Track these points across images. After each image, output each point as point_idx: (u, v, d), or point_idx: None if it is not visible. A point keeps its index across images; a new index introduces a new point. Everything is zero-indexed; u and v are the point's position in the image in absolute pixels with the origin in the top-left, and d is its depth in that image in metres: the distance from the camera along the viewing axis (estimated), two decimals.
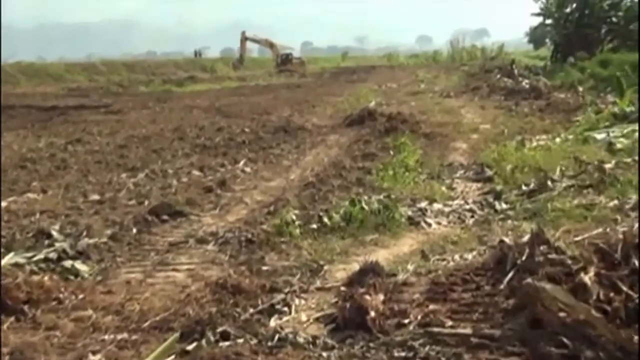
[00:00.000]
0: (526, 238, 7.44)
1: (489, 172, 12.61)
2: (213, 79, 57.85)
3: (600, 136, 15.22)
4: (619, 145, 13.92)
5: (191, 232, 9.33)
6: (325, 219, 9.23)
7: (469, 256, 7.71)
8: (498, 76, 37.28)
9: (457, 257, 7.74)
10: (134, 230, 9.30)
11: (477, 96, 30.09)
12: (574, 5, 43.20)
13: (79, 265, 7.66)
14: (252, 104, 30.87)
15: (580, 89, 26.35)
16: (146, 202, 11.07)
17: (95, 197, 11.86)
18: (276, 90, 40.29)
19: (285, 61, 70.69)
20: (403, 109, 24.27)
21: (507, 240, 7.68)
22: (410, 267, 7.35)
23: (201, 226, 9.65)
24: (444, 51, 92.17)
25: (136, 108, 30.50)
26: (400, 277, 7.01)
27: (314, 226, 9.09)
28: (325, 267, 7.61)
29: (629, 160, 12.18)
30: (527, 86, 30.63)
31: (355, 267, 7.26)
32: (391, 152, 15.17)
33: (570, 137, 15.61)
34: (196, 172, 13.98)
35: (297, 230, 8.87)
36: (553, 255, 6.67)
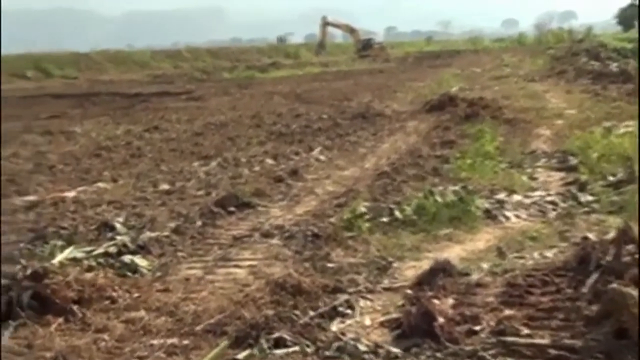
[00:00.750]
0: (612, 235, 6.93)
1: (573, 161, 11.93)
2: (296, 65, 57.74)
3: None
4: None
5: (257, 225, 8.94)
6: (397, 212, 8.73)
7: (549, 254, 7.17)
8: (585, 59, 36.18)
9: (536, 254, 7.20)
10: (199, 223, 8.97)
11: (562, 80, 29.21)
12: None
13: (139, 260, 7.37)
14: (332, 89, 30.57)
15: None
16: (214, 193, 10.78)
17: (165, 186, 11.65)
18: (358, 76, 39.87)
19: (365, 47, 70.21)
20: (486, 94, 23.61)
21: (591, 237, 7.17)
22: (484, 265, 6.86)
23: (268, 218, 9.27)
24: (530, 34, 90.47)
25: (217, 95, 30.53)
26: (474, 277, 6.52)
27: (385, 220, 8.60)
28: (394, 265, 7.14)
29: None
30: (616, 69, 29.65)
31: (426, 264, 6.81)
32: (470, 139, 14.58)
33: None
34: (269, 161, 13.67)
35: (367, 224, 8.38)
36: None
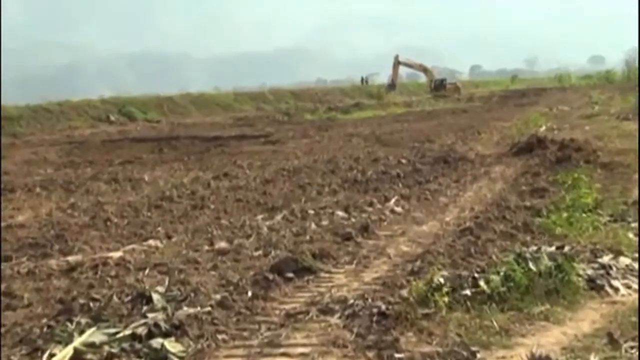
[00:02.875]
0: None
1: None
2: (379, 106, 56.93)
3: None
4: None
5: (316, 296, 7.59)
6: (482, 283, 7.24)
7: None
8: None
9: None
10: (249, 294, 7.70)
11: None
12: None
13: (170, 344, 6.16)
14: (414, 131, 29.45)
15: None
16: (273, 253, 9.55)
17: (222, 244, 10.45)
18: (441, 116, 38.74)
19: (438, 87, 70.12)
20: (576, 134, 22.22)
21: None
22: (592, 358, 5.45)
23: (329, 288, 7.91)
24: (618, 71, 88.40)
25: (296, 137, 29.65)
26: None
27: (467, 292, 7.11)
28: (479, 355, 5.76)
29: None
30: None
31: (519, 355, 5.45)
32: (563, 187, 13.11)
33: None
34: (340, 213, 12.40)
35: (445, 299, 6.93)
36: None
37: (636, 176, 14.46)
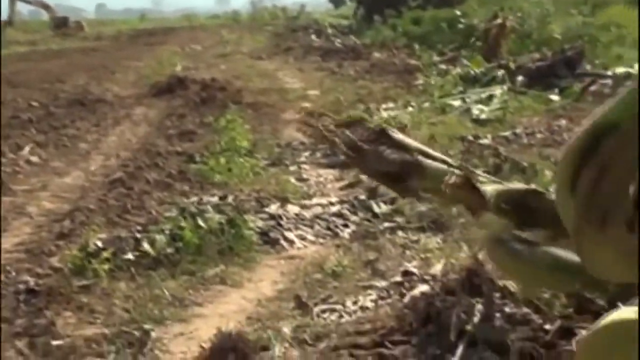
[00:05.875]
0: (439, 267, 5.23)
1: (341, 156, 10.15)
2: None
3: (455, 103, 13.23)
4: (482, 116, 11.98)
5: None
6: (146, 244, 6.30)
7: (368, 301, 5.22)
8: (313, 36, 35.76)
9: (349, 303, 5.21)
10: None
11: (291, 57, 28.15)
12: None
13: None
14: (42, 71, 27.25)
15: (417, 47, 24.62)
16: None
17: None
18: (70, 55, 36.58)
19: (60, 25, 67.22)
20: (214, 73, 21.75)
21: (413, 270, 5.39)
22: (285, 328, 4.79)
23: None
24: (243, 12, 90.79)
25: None
26: (276, 351, 4.47)
27: (130, 256, 6.13)
28: (153, 334, 4.88)
29: (506, 133, 10.22)
30: (341, 46, 29.54)
31: (199, 327, 4.69)
32: (212, 129, 12.51)
33: (426, 105, 13.43)
34: None
35: (106, 266, 5.92)
36: (512, 308, 4.41)
37: (283, 115, 14.27)
